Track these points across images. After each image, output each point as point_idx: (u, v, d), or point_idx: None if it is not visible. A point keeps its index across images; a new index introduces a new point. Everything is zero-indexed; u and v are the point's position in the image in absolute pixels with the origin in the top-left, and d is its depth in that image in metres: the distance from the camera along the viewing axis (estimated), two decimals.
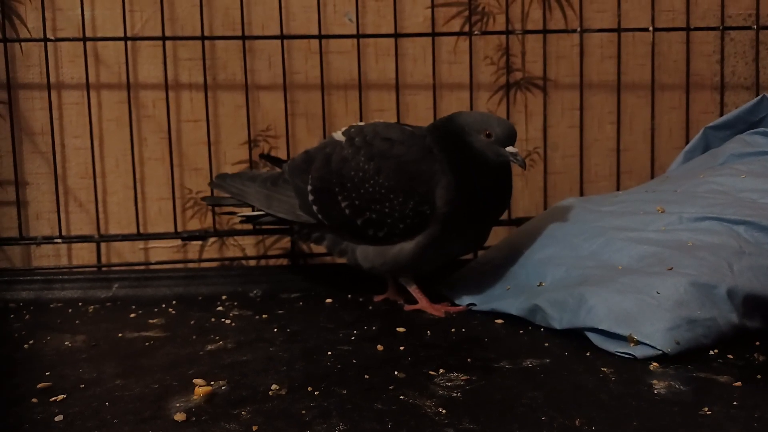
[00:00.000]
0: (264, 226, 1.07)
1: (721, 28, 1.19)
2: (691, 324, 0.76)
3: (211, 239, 1.17)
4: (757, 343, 0.78)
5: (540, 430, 0.61)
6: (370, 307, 0.98)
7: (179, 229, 1.15)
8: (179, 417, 0.65)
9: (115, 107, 1.15)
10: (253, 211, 1.03)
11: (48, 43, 1.11)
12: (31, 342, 0.86)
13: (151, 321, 0.93)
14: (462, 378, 0.72)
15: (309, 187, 0.95)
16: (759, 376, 0.70)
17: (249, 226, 1.15)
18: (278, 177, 1.00)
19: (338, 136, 0.97)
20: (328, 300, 1.00)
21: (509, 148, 0.89)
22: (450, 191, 0.89)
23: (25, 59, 1.13)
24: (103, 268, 1.14)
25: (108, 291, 1.06)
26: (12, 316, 0.98)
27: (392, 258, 0.93)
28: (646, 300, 0.77)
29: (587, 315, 0.79)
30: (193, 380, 0.71)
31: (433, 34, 1.16)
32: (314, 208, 0.94)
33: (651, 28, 1.17)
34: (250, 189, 1.00)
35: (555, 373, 0.73)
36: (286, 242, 1.19)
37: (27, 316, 0.98)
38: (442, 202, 0.89)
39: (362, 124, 0.98)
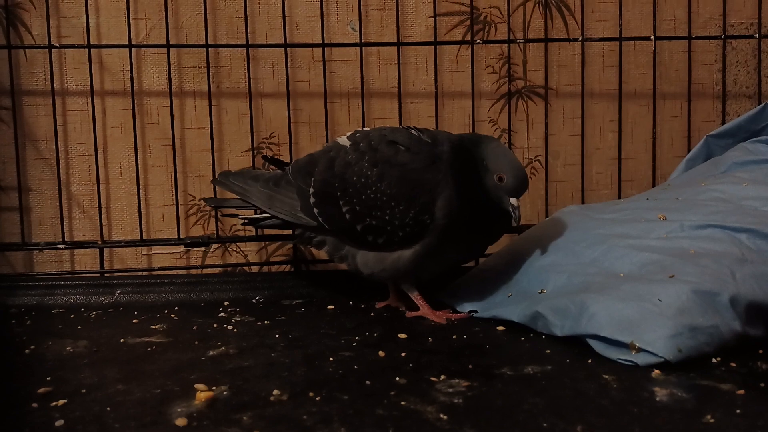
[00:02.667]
0: (266, 229, 1.07)
1: (722, 36, 1.19)
2: (693, 331, 0.75)
3: (214, 246, 1.18)
4: (760, 351, 0.78)
5: None
6: (372, 314, 0.98)
7: (182, 236, 1.15)
8: (180, 422, 0.65)
9: (119, 114, 1.15)
10: (256, 213, 1.03)
11: (52, 50, 1.11)
12: (32, 347, 0.86)
13: (153, 327, 0.93)
14: (463, 384, 0.71)
15: (311, 190, 0.95)
16: (762, 384, 0.70)
17: (252, 233, 1.16)
18: (281, 177, 1.00)
19: (343, 140, 0.97)
20: (330, 306, 1.00)
21: (512, 200, 0.90)
22: (451, 203, 0.89)
23: (29, 66, 1.14)
24: (106, 274, 1.14)
25: (110, 297, 1.07)
26: (14, 321, 0.98)
27: (391, 265, 0.93)
28: (647, 307, 0.77)
29: (589, 322, 0.79)
30: (195, 385, 0.71)
31: (436, 43, 1.16)
32: (315, 210, 0.94)
33: (652, 37, 1.18)
34: (252, 188, 1.00)
35: (556, 379, 0.73)
36: (288, 249, 1.19)
37: (29, 322, 0.98)
38: (442, 213, 0.89)
39: (368, 129, 0.98)
